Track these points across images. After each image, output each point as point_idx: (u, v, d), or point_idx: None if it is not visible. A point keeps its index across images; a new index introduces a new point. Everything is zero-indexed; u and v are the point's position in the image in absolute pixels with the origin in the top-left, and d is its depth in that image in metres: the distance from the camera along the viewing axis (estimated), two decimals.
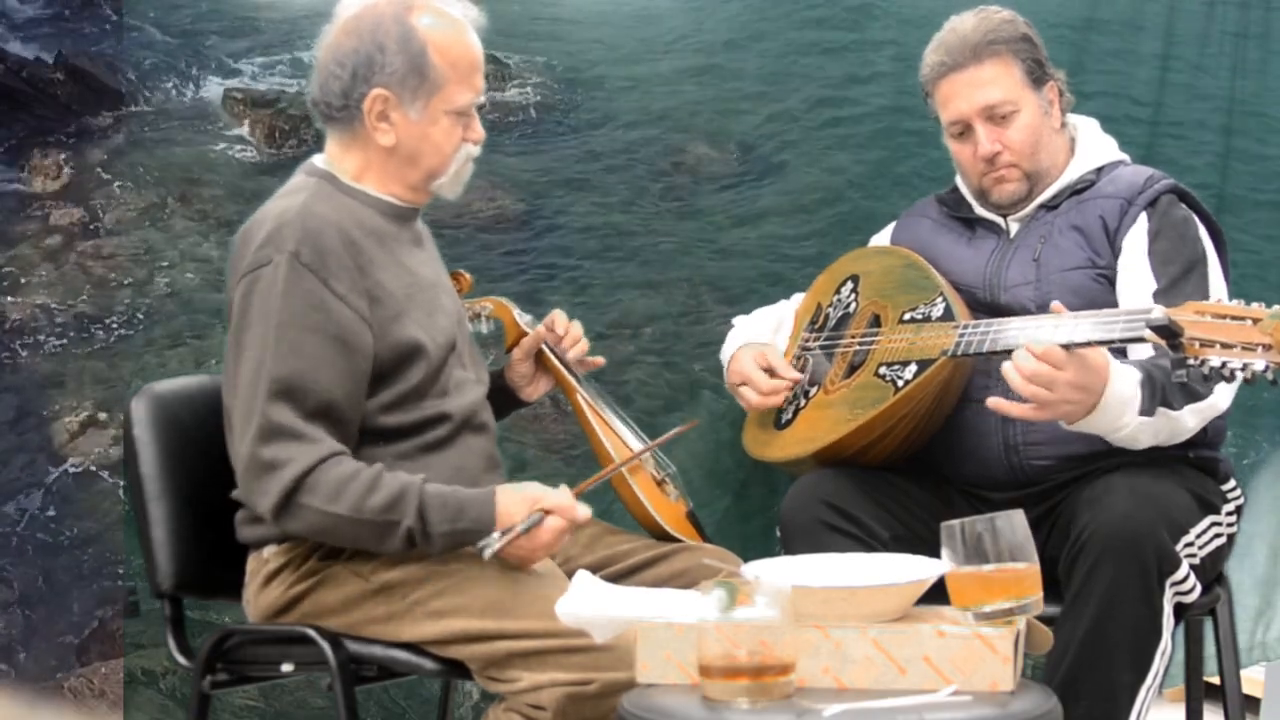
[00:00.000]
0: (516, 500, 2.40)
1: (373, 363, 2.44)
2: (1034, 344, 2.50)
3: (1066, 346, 2.49)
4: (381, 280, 2.46)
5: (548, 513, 2.39)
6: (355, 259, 2.44)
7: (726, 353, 3.12)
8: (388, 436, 2.48)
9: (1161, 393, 2.60)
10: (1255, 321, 2.29)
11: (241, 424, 2.40)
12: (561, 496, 2.42)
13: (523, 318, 2.81)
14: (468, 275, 2.83)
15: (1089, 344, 2.50)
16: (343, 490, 2.35)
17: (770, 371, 2.98)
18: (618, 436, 2.76)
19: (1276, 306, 2.30)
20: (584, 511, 2.41)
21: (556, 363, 2.78)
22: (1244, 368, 2.28)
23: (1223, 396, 2.70)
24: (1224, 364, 2.29)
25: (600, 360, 2.83)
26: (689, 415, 3.26)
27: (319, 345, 2.38)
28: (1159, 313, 2.34)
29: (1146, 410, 2.59)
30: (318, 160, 2.58)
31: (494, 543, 2.35)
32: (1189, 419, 2.66)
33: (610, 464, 2.67)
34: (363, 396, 2.44)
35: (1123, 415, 2.57)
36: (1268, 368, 2.27)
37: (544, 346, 2.77)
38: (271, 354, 2.37)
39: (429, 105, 2.50)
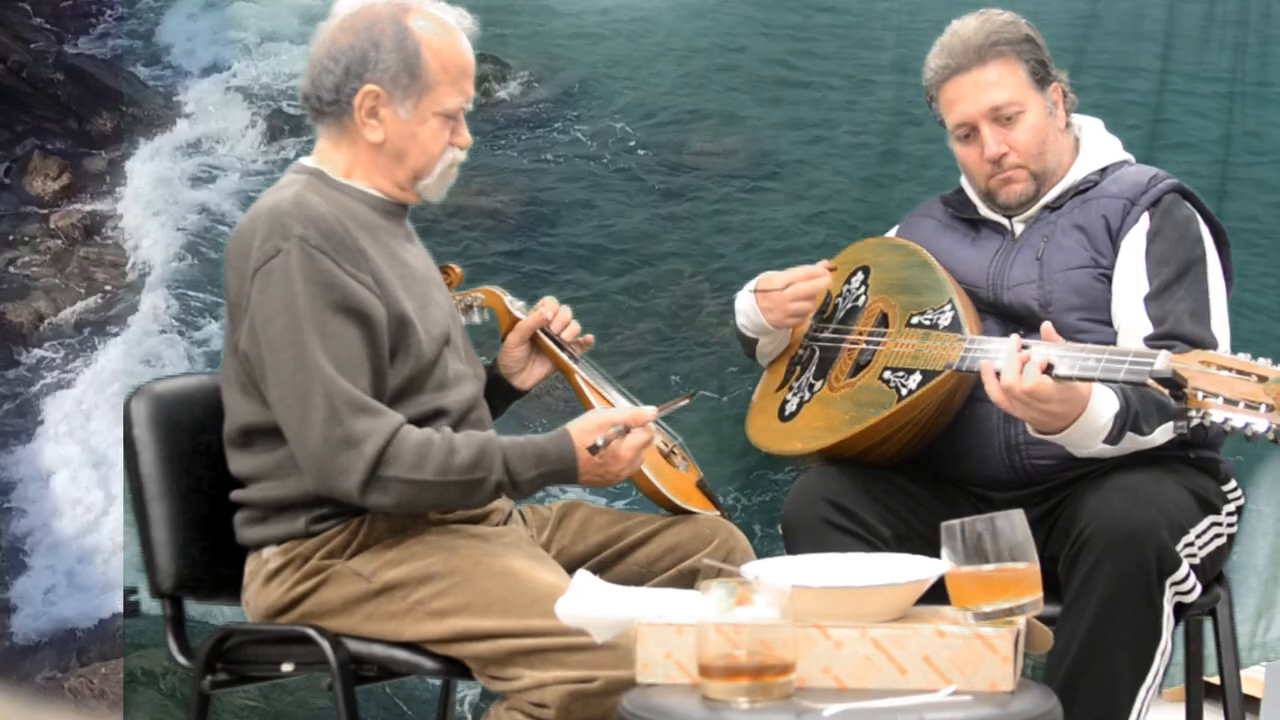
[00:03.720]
0: (590, 428, 2.46)
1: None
2: (1027, 375, 2.49)
3: (1070, 378, 2.49)
4: (375, 269, 2.47)
5: (626, 428, 2.46)
6: (353, 244, 2.45)
7: (741, 307, 3.10)
8: None
9: (1133, 421, 2.62)
10: (1261, 379, 2.26)
11: (300, 412, 2.37)
12: (629, 409, 2.51)
13: (514, 304, 2.82)
14: (458, 268, 2.84)
15: (1090, 380, 2.49)
16: (425, 457, 2.37)
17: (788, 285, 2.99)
18: None
19: None
20: (650, 411, 2.50)
21: (553, 346, 2.79)
22: (1245, 425, 2.25)
23: None
24: (1225, 419, 2.26)
25: (590, 339, 2.85)
26: (689, 410, 3.26)
27: (345, 324, 2.39)
28: (1163, 363, 2.33)
29: (1113, 440, 2.61)
30: (306, 160, 2.59)
31: (600, 442, 2.43)
32: (1159, 437, 2.68)
33: None
34: (388, 370, 2.45)
35: (1088, 440, 2.61)
36: (1269, 428, 2.25)
37: (540, 332, 2.78)
38: (311, 339, 2.37)
39: (419, 105, 2.52)
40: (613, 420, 2.47)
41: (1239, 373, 2.28)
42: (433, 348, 2.52)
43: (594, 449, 2.43)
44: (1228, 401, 2.26)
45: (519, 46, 3.36)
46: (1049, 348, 2.51)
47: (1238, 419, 2.25)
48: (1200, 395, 2.28)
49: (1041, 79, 2.88)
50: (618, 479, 2.50)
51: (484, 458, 2.40)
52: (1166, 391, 2.33)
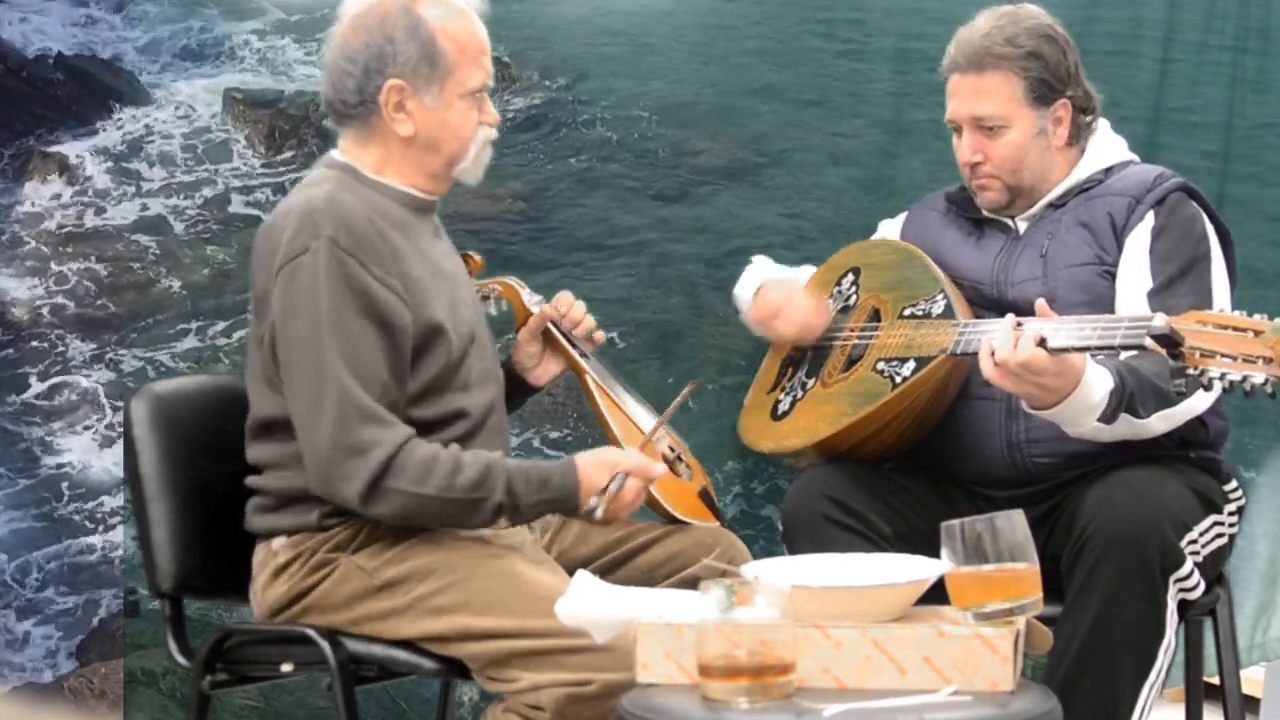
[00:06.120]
0: (596, 465, 2.47)
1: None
2: (1020, 348, 2.50)
3: (1064, 349, 2.49)
4: (407, 269, 2.46)
5: (628, 475, 2.48)
6: (384, 245, 2.44)
7: (748, 287, 3.11)
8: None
9: (1129, 401, 2.61)
10: (1257, 334, 2.28)
11: (311, 414, 2.38)
12: (637, 458, 2.51)
13: (531, 299, 2.81)
14: (478, 257, 2.81)
15: (1087, 349, 2.49)
16: (430, 471, 2.37)
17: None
18: (627, 417, 2.76)
19: (1279, 320, 2.29)
20: (659, 469, 2.53)
21: (565, 343, 2.77)
22: (1243, 379, 2.27)
23: (1200, 400, 2.69)
24: (1223, 375, 2.28)
25: (602, 336, 2.83)
26: (692, 410, 3.26)
27: (366, 330, 2.39)
28: (1160, 321, 2.34)
29: (1107, 418, 2.60)
30: (336, 154, 2.57)
31: (597, 506, 2.46)
32: (1156, 424, 2.67)
33: (618, 447, 2.67)
34: (407, 378, 2.45)
35: (1082, 417, 2.60)
36: (1267, 381, 2.26)
37: (551, 326, 2.77)
38: (330, 341, 2.37)
39: (443, 91, 2.50)
40: (618, 466, 2.48)
41: (1235, 329, 2.30)
42: (460, 346, 2.51)
43: (590, 512, 2.46)
44: (1225, 357, 2.28)
45: (519, 46, 3.36)
46: (1043, 322, 2.52)
47: (1235, 373, 2.28)
48: (1198, 353, 2.30)
49: (1040, 96, 2.86)
50: (615, 519, 2.52)
51: (488, 478, 2.41)
52: (1164, 351, 2.33)
